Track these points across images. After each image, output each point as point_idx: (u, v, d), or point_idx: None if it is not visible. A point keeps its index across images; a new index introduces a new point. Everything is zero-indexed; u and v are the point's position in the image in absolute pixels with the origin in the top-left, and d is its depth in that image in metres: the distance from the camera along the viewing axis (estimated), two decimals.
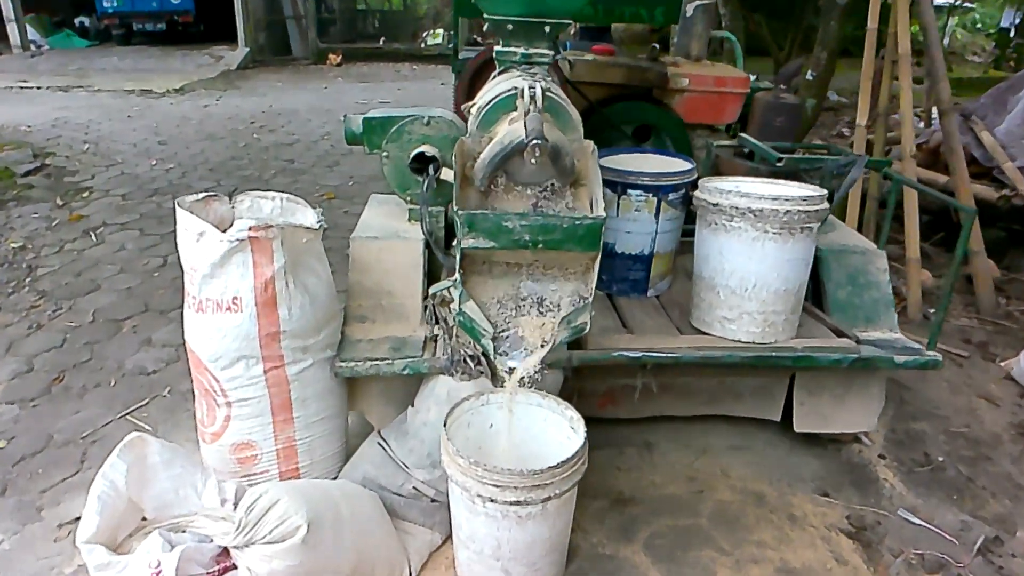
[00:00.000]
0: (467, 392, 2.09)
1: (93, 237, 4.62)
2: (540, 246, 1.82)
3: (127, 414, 2.85)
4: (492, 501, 1.74)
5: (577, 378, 2.37)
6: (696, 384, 2.55)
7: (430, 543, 2.10)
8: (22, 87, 9.99)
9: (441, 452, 1.84)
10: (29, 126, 7.40)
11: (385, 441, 2.22)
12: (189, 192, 5.87)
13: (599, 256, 1.85)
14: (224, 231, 1.90)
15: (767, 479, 2.52)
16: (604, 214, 1.82)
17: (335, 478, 2.21)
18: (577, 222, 1.80)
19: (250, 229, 1.88)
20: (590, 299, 1.89)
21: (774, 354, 2.25)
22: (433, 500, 2.13)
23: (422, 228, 2.37)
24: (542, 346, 1.91)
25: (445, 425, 1.88)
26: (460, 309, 1.87)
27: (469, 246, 1.82)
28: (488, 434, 2.07)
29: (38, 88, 9.94)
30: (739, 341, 2.29)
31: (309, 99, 9.76)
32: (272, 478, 2.12)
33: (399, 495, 2.12)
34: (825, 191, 2.26)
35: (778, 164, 2.51)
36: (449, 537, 2.10)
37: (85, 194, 5.58)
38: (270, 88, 10.79)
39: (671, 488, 2.46)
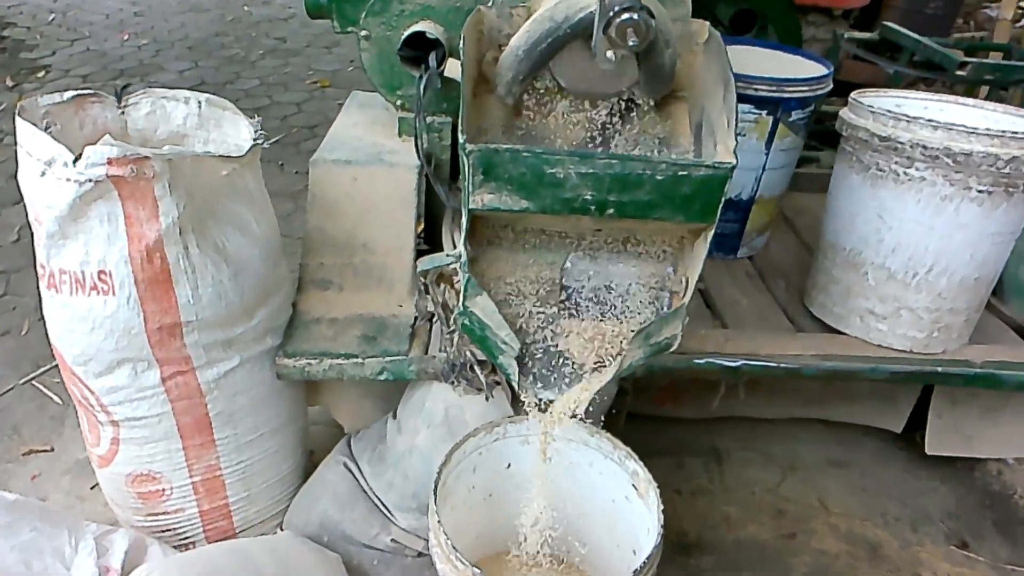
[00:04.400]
0: (472, 412, 1.38)
1: None
2: (611, 211, 1.04)
3: (35, 377, 2.19)
4: None
5: None
6: (796, 383, 1.83)
7: None
8: None
9: (428, 531, 1.15)
10: None
11: (355, 463, 1.54)
12: (161, 75, 5.04)
13: (712, 228, 1.07)
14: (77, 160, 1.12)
15: (881, 516, 1.85)
16: (733, 158, 1.02)
17: (280, 523, 1.55)
18: (684, 171, 1.00)
19: (110, 162, 1.10)
20: (686, 299, 1.13)
21: (941, 370, 1.50)
22: (420, 555, 1.47)
23: (417, 149, 1.58)
24: (597, 370, 1.17)
25: (438, 482, 1.18)
26: (464, 307, 1.12)
27: (484, 206, 1.04)
28: (503, 479, 1.37)
29: None
30: (889, 347, 1.53)
31: None
32: (190, 519, 1.47)
33: (372, 548, 1.46)
34: None
35: (959, 73, 1.64)
36: None
37: (41, 74, 4.75)
38: None
39: (751, 528, 1.79)
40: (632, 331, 1.14)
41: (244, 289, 1.34)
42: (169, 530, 1.47)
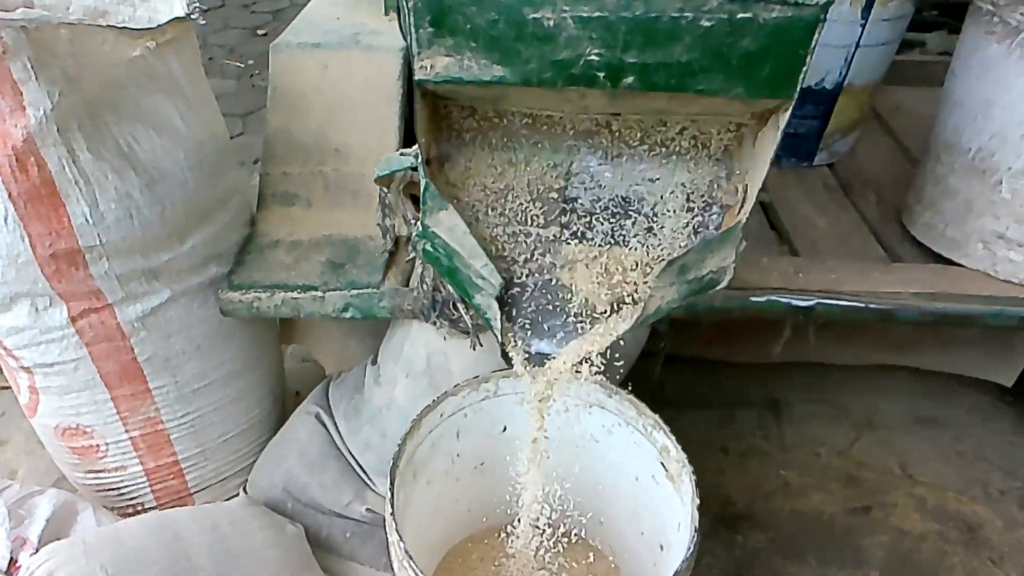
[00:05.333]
0: (460, 360, 1.09)
1: None
2: (630, 80, 0.68)
3: None
4: None
5: None
6: (883, 326, 1.46)
7: None
8: None
9: (385, 527, 0.87)
10: None
11: (330, 416, 1.29)
12: None
13: (789, 108, 0.71)
14: None
15: (981, 489, 1.50)
16: None
17: (244, 483, 1.32)
18: (746, 14, 0.63)
19: None
20: (743, 216, 0.77)
21: None
22: None
23: (401, 28, 1.24)
24: (613, 315, 0.84)
25: (398, 459, 0.90)
26: (424, 226, 0.80)
27: (438, 76, 0.70)
28: (497, 445, 1.09)
29: None
30: (1022, 284, 1.14)
31: None
32: (134, 479, 1.25)
33: (344, 518, 1.22)
34: None
35: None
36: None
37: None
38: None
39: (815, 498, 1.48)
40: (662, 260, 0.80)
41: (165, 205, 1.05)
42: (113, 490, 1.25)
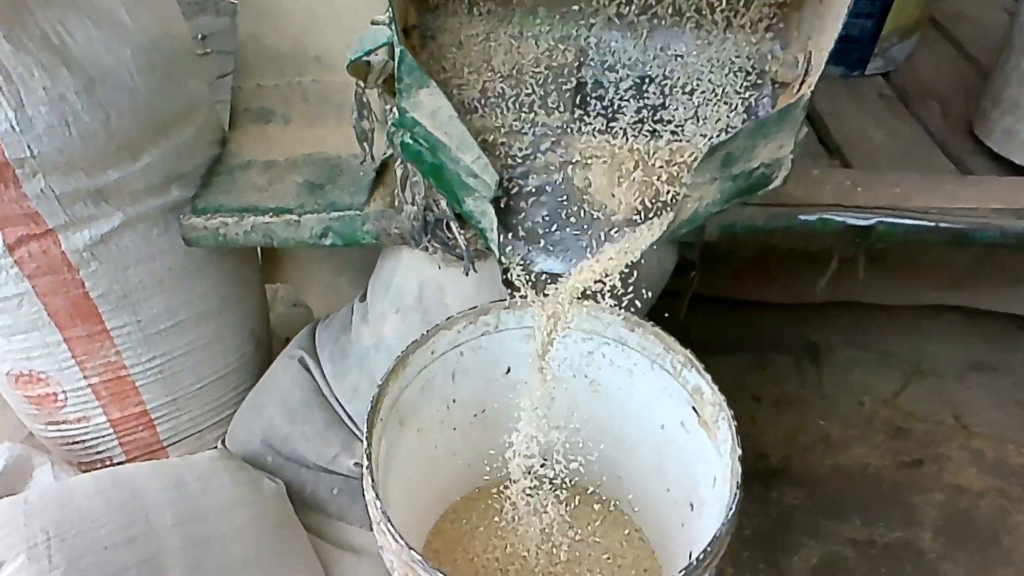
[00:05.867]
0: (456, 293, 0.94)
1: None
2: None
3: None
4: None
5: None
6: (940, 256, 1.29)
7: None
8: None
9: (364, 490, 0.73)
10: None
11: (316, 361, 1.15)
12: None
13: None
14: None
15: None
16: None
17: (222, 437, 1.19)
18: None
19: None
20: (807, 89, 0.60)
21: None
22: None
23: None
24: (638, 224, 0.68)
25: (377, 406, 0.76)
26: (401, 110, 0.64)
27: None
28: (501, 389, 0.94)
29: None
30: None
31: None
32: (99, 431, 1.12)
33: (331, 473, 1.09)
34: None
35: None
36: None
37: None
38: None
39: (859, 452, 1.33)
40: (701, 152, 0.63)
41: (110, 113, 0.90)
42: (77, 443, 1.13)
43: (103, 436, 1.12)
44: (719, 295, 1.40)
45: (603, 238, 0.69)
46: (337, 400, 1.10)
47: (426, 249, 0.93)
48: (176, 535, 0.86)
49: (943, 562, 1.17)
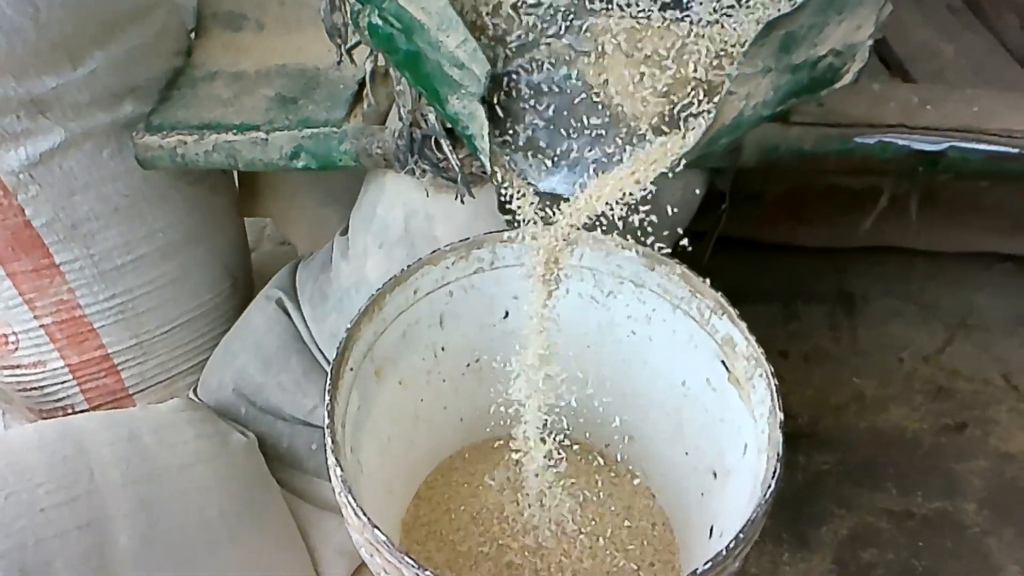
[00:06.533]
0: (447, 224, 0.81)
1: None
2: None
3: None
4: None
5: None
6: (1000, 202, 1.14)
7: None
8: None
9: (328, 467, 0.61)
10: None
11: (295, 303, 1.03)
12: None
13: None
14: None
15: None
16: None
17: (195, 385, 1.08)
18: None
19: None
20: None
21: None
22: None
23: None
24: (666, 129, 0.54)
25: (342, 356, 0.64)
26: None
27: None
28: (498, 335, 0.82)
29: None
30: None
31: None
32: (57, 376, 1.02)
33: (308, 425, 0.98)
34: None
35: None
36: None
37: None
38: None
39: (896, 413, 1.21)
40: (755, 30, 0.49)
41: (39, 7, 0.76)
42: (35, 389, 1.03)
43: (62, 382, 1.02)
44: (747, 236, 1.27)
45: (623, 150, 0.55)
46: (316, 346, 0.99)
47: (413, 172, 0.80)
48: (126, 495, 0.76)
49: (987, 537, 1.06)
